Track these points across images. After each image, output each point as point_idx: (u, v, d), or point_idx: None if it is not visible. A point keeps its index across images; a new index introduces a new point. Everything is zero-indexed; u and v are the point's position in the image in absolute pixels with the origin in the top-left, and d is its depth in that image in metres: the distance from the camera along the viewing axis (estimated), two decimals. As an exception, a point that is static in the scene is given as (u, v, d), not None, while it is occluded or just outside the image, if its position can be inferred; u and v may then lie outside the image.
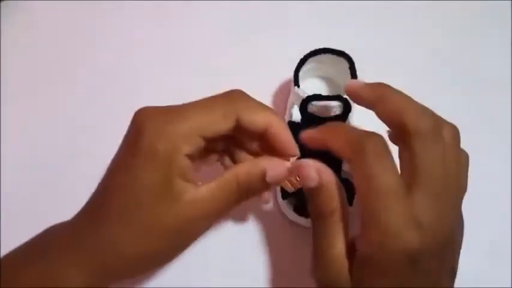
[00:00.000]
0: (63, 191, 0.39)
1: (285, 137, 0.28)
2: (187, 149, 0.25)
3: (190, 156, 0.26)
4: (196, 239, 0.28)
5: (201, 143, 0.26)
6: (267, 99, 0.43)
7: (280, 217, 0.38)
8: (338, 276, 0.25)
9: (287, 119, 0.39)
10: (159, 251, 0.26)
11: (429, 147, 0.25)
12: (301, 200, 0.36)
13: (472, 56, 0.46)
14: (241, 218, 0.38)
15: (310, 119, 0.35)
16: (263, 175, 0.27)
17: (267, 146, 0.29)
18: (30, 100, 0.44)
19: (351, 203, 0.36)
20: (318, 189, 0.26)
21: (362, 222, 0.25)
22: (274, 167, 0.27)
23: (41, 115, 0.43)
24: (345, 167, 0.35)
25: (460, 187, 0.27)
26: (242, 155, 0.31)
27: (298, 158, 0.36)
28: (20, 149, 0.41)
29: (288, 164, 0.28)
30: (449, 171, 0.25)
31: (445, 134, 0.26)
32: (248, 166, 0.27)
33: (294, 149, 0.28)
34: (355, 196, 0.36)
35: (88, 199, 0.28)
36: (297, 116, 0.37)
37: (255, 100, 0.28)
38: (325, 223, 0.26)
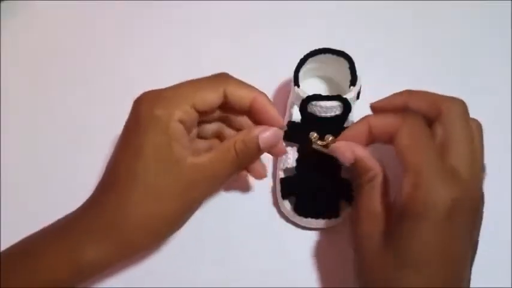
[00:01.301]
0: (63, 191, 0.39)
1: (270, 110, 0.30)
2: (179, 114, 0.28)
3: (185, 124, 0.28)
4: (200, 204, 0.30)
5: (193, 114, 0.29)
6: (267, 99, 0.43)
7: (280, 217, 0.38)
8: (375, 229, 0.28)
9: (287, 119, 0.40)
10: (166, 213, 0.28)
11: (460, 126, 0.29)
12: (301, 200, 0.36)
13: (472, 56, 0.46)
14: (241, 218, 0.38)
15: (310, 119, 0.35)
16: (257, 141, 0.29)
17: (255, 121, 0.31)
18: (30, 100, 0.44)
19: (350, 202, 0.36)
20: (355, 163, 0.30)
21: (405, 174, 0.27)
22: (265, 132, 0.30)
23: (41, 115, 0.43)
24: (345, 167, 0.35)
25: (482, 156, 0.30)
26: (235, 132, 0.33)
27: (299, 161, 0.36)
28: (19, 149, 0.41)
29: (276, 129, 0.30)
30: (476, 144, 0.29)
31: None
32: (243, 134, 0.30)
33: (280, 120, 0.31)
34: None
35: (100, 180, 0.30)
36: (297, 116, 0.37)
37: (241, 80, 0.31)
38: (366, 188, 0.29)
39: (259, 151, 0.30)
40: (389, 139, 0.29)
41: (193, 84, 0.29)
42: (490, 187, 0.39)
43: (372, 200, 0.29)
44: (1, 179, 0.40)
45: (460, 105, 0.29)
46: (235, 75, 0.40)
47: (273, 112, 0.30)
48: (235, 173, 0.31)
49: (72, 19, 0.48)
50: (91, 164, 0.40)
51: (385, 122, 0.29)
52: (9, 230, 0.37)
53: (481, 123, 0.30)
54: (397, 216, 0.27)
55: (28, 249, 0.28)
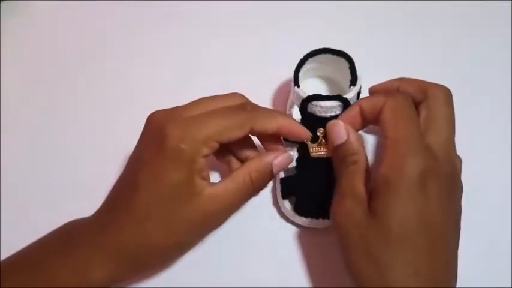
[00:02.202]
0: (64, 193, 0.39)
1: (299, 130, 0.32)
2: (206, 151, 0.28)
3: (208, 157, 0.29)
4: (216, 228, 0.31)
5: (217, 146, 0.29)
6: (267, 99, 0.43)
7: (280, 217, 0.38)
8: (357, 208, 0.28)
9: (287, 119, 0.40)
10: (181, 243, 0.30)
11: (443, 107, 0.31)
12: (301, 200, 0.36)
13: (472, 56, 0.46)
14: (240, 218, 0.38)
15: (310, 119, 0.35)
16: (271, 168, 0.31)
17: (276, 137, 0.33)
18: (31, 100, 0.44)
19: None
20: (345, 143, 0.31)
21: (384, 148, 0.28)
22: (278, 158, 0.32)
23: (42, 115, 0.43)
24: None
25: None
26: (244, 152, 0.34)
27: (299, 161, 0.36)
28: (19, 149, 0.41)
29: (286, 152, 0.33)
30: (453, 125, 0.31)
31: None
32: (256, 163, 0.31)
33: (307, 133, 0.33)
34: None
35: (108, 196, 0.30)
36: (297, 116, 0.37)
37: (266, 109, 0.32)
38: (349, 169, 0.30)
39: (272, 175, 0.32)
40: (377, 119, 0.30)
41: (220, 117, 0.29)
42: (491, 187, 0.39)
43: (355, 181, 0.29)
44: (1, 179, 0.40)
45: (445, 91, 0.32)
46: (235, 75, 0.40)
47: (300, 130, 0.32)
48: (250, 198, 0.32)
49: (72, 19, 0.48)
50: (92, 165, 0.40)
51: (373, 102, 0.31)
52: (9, 230, 0.37)
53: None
54: (376, 193, 0.28)
55: (31, 263, 0.28)
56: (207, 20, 0.48)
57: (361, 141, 0.31)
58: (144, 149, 0.30)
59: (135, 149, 0.31)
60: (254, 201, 0.38)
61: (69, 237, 0.29)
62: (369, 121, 0.32)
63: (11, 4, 0.48)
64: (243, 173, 0.30)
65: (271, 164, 0.31)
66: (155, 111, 0.30)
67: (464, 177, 0.40)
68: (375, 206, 0.27)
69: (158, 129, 0.29)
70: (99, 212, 0.30)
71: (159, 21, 0.48)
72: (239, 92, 0.33)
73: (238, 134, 0.29)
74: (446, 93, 0.32)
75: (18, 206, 0.38)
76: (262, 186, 0.32)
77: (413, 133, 0.28)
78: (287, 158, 0.32)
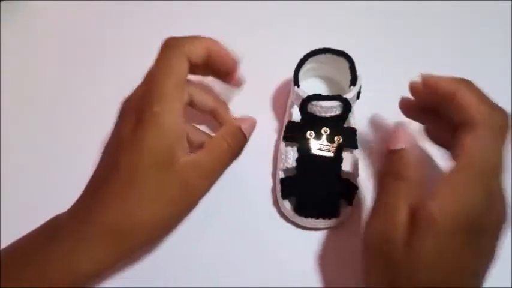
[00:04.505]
0: (63, 191, 0.39)
1: (226, 54, 0.32)
2: (179, 95, 0.28)
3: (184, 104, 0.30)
4: (197, 202, 0.30)
5: (185, 95, 0.30)
6: (267, 99, 0.43)
7: (280, 217, 0.38)
8: (394, 234, 0.26)
9: (287, 119, 0.40)
10: (165, 218, 0.29)
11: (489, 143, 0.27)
12: (301, 200, 0.36)
13: (472, 56, 0.46)
14: (240, 218, 0.38)
15: (310, 119, 0.35)
16: (243, 132, 0.32)
17: (215, 73, 0.34)
18: (31, 100, 0.44)
19: (350, 202, 0.36)
20: (400, 152, 0.28)
21: (450, 174, 0.26)
22: (245, 123, 0.33)
23: (42, 115, 0.43)
24: (345, 167, 0.35)
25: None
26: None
27: (299, 161, 0.36)
28: (19, 149, 0.41)
29: (251, 119, 0.34)
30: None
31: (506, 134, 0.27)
32: (229, 128, 0.32)
33: (235, 63, 0.33)
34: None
35: (88, 183, 0.29)
36: (297, 115, 0.37)
37: (189, 36, 0.31)
38: (397, 184, 0.28)
39: (245, 139, 0.33)
40: (445, 98, 0.28)
41: (159, 64, 0.30)
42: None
43: (400, 201, 0.27)
44: (1, 179, 0.40)
45: (503, 120, 0.27)
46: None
47: (228, 57, 0.32)
48: (230, 163, 0.32)
49: (72, 19, 0.48)
50: (92, 164, 0.40)
51: (447, 81, 0.29)
52: (8, 230, 0.37)
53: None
54: (418, 224, 0.26)
55: (18, 257, 0.27)
56: (206, 20, 0.48)
57: (421, 158, 0.28)
58: (121, 129, 0.29)
59: (111, 133, 0.30)
60: (254, 201, 0.39)
61: (53, 229, 0.28)
62: (433, 98, 0.30)
63: (11, 4, 0.48)
64: (217, 139, 0.31)
65: (241, 129, 0.32)
66: (126, 98, 0.31)
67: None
68: (413, 239, 0.25)
69: (131, 107, 0.29)
70: (79, 200, 0.29)
71: (159, 21, 0.48)
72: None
73: (186, 61, 0.30)
74: (500, 125, 0.27)
75: (18, 207, 0.38)
76: (239, 150, 0.32)
77: (493, 163, 0.25)
78: (253, 122, 0.34)
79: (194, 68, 0.31)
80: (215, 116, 0.35)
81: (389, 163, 0.29)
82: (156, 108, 0.27)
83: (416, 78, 0.32)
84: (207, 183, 0.30)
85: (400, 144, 0.28)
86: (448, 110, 0.29)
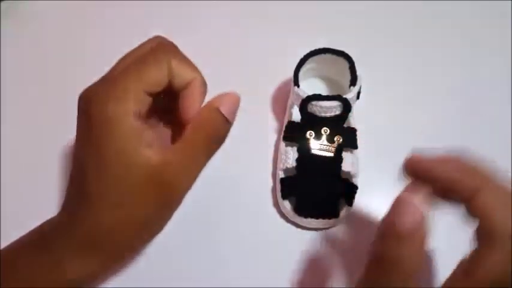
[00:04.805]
0: (63, 191, 0.39)
1: (197, 100, 0.27)
2: (134, 106, 0.25)
3: (141, 115, 0.25)
4: (180, 201, 0.27)
5: (148, 100, 0.26)
6: (267, 99, 0.43)
7: (280, 217, 0.38)
8: None
9: (287, 119, 0.40)
10: (145, 222, 0.26)
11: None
12: (301, 200, 0.36)
13: (472, 56, 0.46)
14: (240, 218, 0.38)
15: (310, 119, 0.35)
16: (221, 114, 0.26)
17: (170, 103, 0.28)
18: (31, 100, 0.44)
19: (350, 202, 0.36)
20: (408, 237, 0.22)
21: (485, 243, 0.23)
22: (224, 103, 0.26)
23: (42, 115, 0.43)
24: (345, 167, 0.35)
25: None
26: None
27: (299, 161, 0.36)
28: (19, 149, 0.41)
29: (231, 94, 0.27)
30: None
31: None
32: (205, 114, 0.26)
33: (192, 114, 0.27)
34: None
35: (67, 189, 0.28)
36: (297, 116, 0.37)
37: (183, 54, 0.28)
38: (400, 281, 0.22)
39: (227, 122, 0.26)
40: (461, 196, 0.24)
41: (140, 65, 0.26)
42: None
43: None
44: (1, 179, 0.40)
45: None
46: (235, 75, 0.40)
47: (196, 105, 0.27)
48: (212, 154, 0.27)
49: (72, 19, 0.48)
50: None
51: (466, 177, 0.24)
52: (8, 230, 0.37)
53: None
54: None
55: (6, 267, 0.26)
56: (206, 20, 0.48)
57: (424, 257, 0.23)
58: (79, 132, 0.26)
59: (75, 136, 0.27)
60: (254, 201, 0.39)
61: (41, 236, 0.27)
62: (446, 196, 0.24)
63: (11, 4, 0.48)
64: (194, 130, 0.26)
65: (220, 110, 0.26)
66: (82, 91, 0.27)
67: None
68: None
69: (84, 103, 0.26)
70: (62, 208, 0.28)
71: (159, 21, 0.48)
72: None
73: (163, 76, 0.26)
74: None
75: (18, 208, 0.38)
76: (221, 138, 0.27)
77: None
78: (234, 97, 0.27)
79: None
80: (188, 95, 0.27)
81: (394, 251, 0.22)
82: (109, 108, 0.24)
83: (415, 155, 0.27)
84: (186, 180, 0.26)
85: (409, 226, 0.22)
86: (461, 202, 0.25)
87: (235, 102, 0.27)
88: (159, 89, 0.26)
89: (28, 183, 0.40)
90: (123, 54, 0.28)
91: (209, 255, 0.37)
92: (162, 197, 0.26)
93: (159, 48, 0.27)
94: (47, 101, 0.43)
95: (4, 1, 0.48)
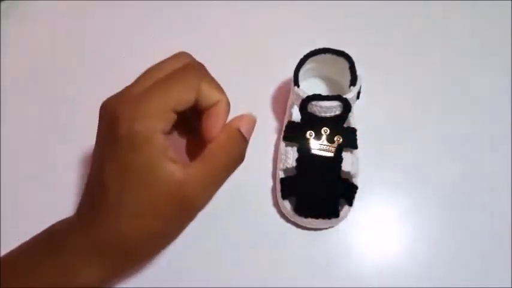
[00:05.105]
0: (63, 191, 0.39)
1: (221, 120, 0.28)
2: (162, 125, 0.25)
3: (167, 132, 0.26)
4: (196, 214, 0.28)
5: (173, 117, 0.26)
6: (267, 99, 0.43)
7: (280, 217, 0.38)
8: None
9: (287, 119, 0.40)
10: (161, 233, 0.27)
11: None
12: (301, 200, 0.36)
13: (472, 56, 0.46)
14: (240, 218, 0.38)
15: (310, 119, 0.35)
16: (242, 134, 0.28)
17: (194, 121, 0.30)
18: (31, 100, 0.44)
19: (350, 202, 0.36)
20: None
21: None
22: (243, 123, 0.28)
23: (41, 115, 0.43)
24: (345, 167, 0.35)
25: None
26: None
27: (299, 161, 0.36)
28: (19, 148, 0.41)
29: (249, 116, 0.29)
30: None
31: None
32: (227, 131, 0.28)
33: (215, 133, 0.28)
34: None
35: (83, 195, 0.28)
36: (297, 115, 0.37)
37: (211, 76, 0.29)
38: None
39: (246, 142, 0.28)
40: None
41: (170, 84, 0.27)
42: (490, 187, 0.39)
43: None
44: (1, 178, 0.40)
45: None
46: (235, 75, 0.40)
47: (218, 125, 0.28)
48: (232, 172, 0.29)
49: (72, 19, 0.48)
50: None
51: None
52: (8, 229, 0.37)
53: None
54: None
55: (17, 268, 0.27)
56: (206, 20, 0.48)
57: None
58: (102, 143, 0.27)
59: (95, 143, 0.28)
60: (254, 201, 0.39)
61: (54, 238, 0.28)
62: None
63: (11, 4, 0.48)
64: (216, 147, 0.27)
65: (240, 131, 0.28)
66: (107, 98, 0.28)
67: (465, 177, 0.40)
68: None
69: (110, 116, 0.26)
70: (78, 212, 0.29)
71: (159, 21, 0.48)
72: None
73: (191, 96, 0.27)
74: None
75: (18, 210, 0.38)
76: (241, 155, 0.29)
77: None
78: (252, 119, 0.29)
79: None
80: (212, 115, 0.28)
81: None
82: (137, 126, 0.25)
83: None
84: (206, 196, 0.28)
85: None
86: None
87: (253, 123, 0.29)
88: (186, 108, 0.27)
89: (28, 183, 0.40)
90: (148, 67, 0.29)
91: (209, 255, 0.37)
92: (180, 212, 0.27)
93: (190, 70, 0.28)
94: (47, 101, 0.43)
95: (4, 1, 0.48)
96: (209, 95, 0.27)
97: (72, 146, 0.41)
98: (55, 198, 0.38)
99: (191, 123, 0.30)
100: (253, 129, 0.29)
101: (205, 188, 0.27)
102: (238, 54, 0.45)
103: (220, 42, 0.46)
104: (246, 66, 0.44)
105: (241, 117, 0.28)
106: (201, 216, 0.38)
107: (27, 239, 0.28)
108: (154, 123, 0.25)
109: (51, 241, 0.28)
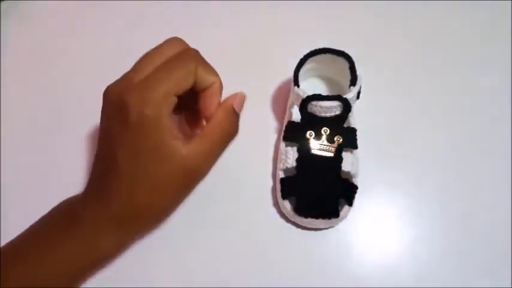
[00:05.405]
0: (63, 191, 0.39)
1: (216, 100, 0.31)
2: (168, 108, 0.29)
3: (171, 113, 0.30)
4: (199, 182, 0.32)
5: (175, 101, 0.29)
6: (267, 99, 0.43)
7: (280, 217, 0.38)
8: None
9: (287, 119, 0.40)
10: (170, 200, 0.31)
11: None
12: (301, 200, 0.36)
13: (472, 55, 0.46)
14: (240, 218, 0.38)
15: (310, 119, 0.35)
16: (234, 110, 0.32)
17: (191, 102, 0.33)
18: (31, 100, 0.44)
19: (350, 202, 0.36)
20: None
21: None
22: (236, 100, 0.32)
23: (42, 115, 0.43)
24: (345, 167, 0.35)
25: None
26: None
27: (299, 161, 0.36)
28: (19, 148, 0.41)
29: (240, 94, 0.33)
30: None
31: None
32: (222, 110, 0.31)
33: (213, 110, 0.32)
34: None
35: (92, 173, 0.32)
36: (297, 115, 0.37)
37: (206, 60, 0.32)
38: None
39: (238, 117, 0.32)
40: None
41: (172, 70, 0.29)
42: (490, 187, 0.39)
43: None
44: (1, 178, 0.40)
45: None
46: (235, 75, 0.40)
47: (214, 104, 0.31)
48: (229, 144, 0.32)
49: (72, 19, 0.48)
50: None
51: None
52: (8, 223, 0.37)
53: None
54: None
55: (41, 238, 0.30)
56: (206, 20, 0.48)
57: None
58: (111, 125, 0.30)
59: (100, 125, 0.31)
60: (254, 201, 0.39)
61: (71, 214, 0.31)
62: None
63: (11, 4, 0.48)
64: (213, 124, 0.31)
65: (235, 109, 0.32)
66: (109, 85, 0.31)
67: (465, 177, 0.40)
68: None
69: (117, 102, 0.29)
70: (88, 191, 0.32)
71: (159, 20, 0.48)
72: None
73: (190, 81, 0.30)
74: None
75: (18, 210, 0.38)
76: (235, 129, 0.32)
77: None
78: (243, 95, 0.33)
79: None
80: (208, 96, 0.32)
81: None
82: (146, 111, 0.28)
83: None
84: (207, 168, 0.31)
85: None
86: None
87: (243, 99, 0.33)
88: (185, 90, 0.30)
89: (28, 183, 0.40)
90: (145, 53, 0.31)
91: (209, 255, 0.37)
92: (185, 183, 0.31)
93: (187, 56, 0.31)
94: (47, 101, 0.43)
95: (4, 1, 0.48)
96: (205, 78, 0.30)
97: (72, 145, 0.41)
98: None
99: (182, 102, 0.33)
100: (243, 105, 0.33)
101: (206, 160, 0.31)
102: (238, 54, 0.45)
103: (220, 42, 0.46)
104: (246, 66, 0.44)
105: (234, 95, 0.32)
106: (201, 216, 0.38)
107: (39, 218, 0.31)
108: (161, 108, 0.28)
109: (64, 217, 0.31)
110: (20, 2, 0.48)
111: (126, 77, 0.30)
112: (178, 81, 0.29)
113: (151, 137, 0.28)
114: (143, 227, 0.32)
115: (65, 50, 0.46)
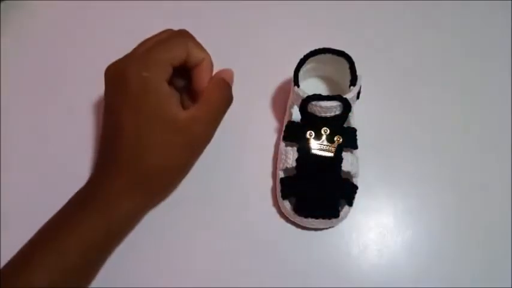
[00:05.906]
0: (63, 191, 0.39)
1: (208, 74, 0.34)
2: (166, 75, 0.31)
3: (167, 82, 0.32)
4: (205, 146, 0.34)
5: (171, 71, 0.32)
6: (267, 99, 0.43)
7: (280, 217, 0.38)
8: None
9: (287, 119, 0.40)
10: (181, 162, 0.34)
11: None
12: (301, 200, 0.36)
13: (472, 55, 0.46)
14: (240, 218, 0.38)
15: (310, 119, 0.35)
16: (227, 82, 0.35)
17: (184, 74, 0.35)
18: (31, 100, 0.44)
19: (350, 202, 0.36)
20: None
21: None
22: (228, 74, 0.36)
23: (42, 115, 0.43)
24: (345, 167, 0.35)
25: None
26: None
27: (299, 161, 0.36)
28: (20, 148, 0.41)
29: (230, 69, 0.37)
30: None
31: None
32: (215, 81, 0.34)
33: (205, 84, 0.34)
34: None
35: (97, 158, 0.34)
36: (297, 115, 0.37)
37: (196, 39, 0.34)
38: None
39: (230, 86, 0.36)
40: None
41: (168, 44, 0.32)
42: (490, 188, 0.39)
43: None
44: (1, 178, 0.40)
45: None
46: (235, 75, 0.40)
47: (205, 79, 0.34)
48: (226, 110, 0.35)
49: (72, 19, 0.48)
50: (92, 164, 0.40)
51: None
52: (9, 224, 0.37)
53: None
54: None
55: (60, 227, 0.31)
56: (207, 20, 0.48)
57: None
58: (113, 100, 0.32)
59: (104, 106, 0.33)
60: (254, 201, 0.39)
61: (84, 195, 0.32)
62: None
63: (11, 4, 0.48)
64: (209, 93, 0.33)
65: (224, 79, 0.35)
66: (108, 65, 0.33)
67: (465, 177, 0.40)
68: None
69: (117, 75, 0.31)
70: (96, 170, 0.34)
71: (159, 21, 0.48)
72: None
73: (184, 54, 0.32)
74: None
75: (18, 209, 0.38)
76: (229, 97, 0.35)
77: None
78: (231, 71, 0.36)
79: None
80: (201, 71, 0.35)
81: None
82: (145, 73, 0.30)
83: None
84: (209, 132, 0.34)
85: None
86: None
87: (232, 74, 0.36)
88: (179, 62, 0.32)
89: (27, 183, 0.40)
90: (143, 40, 0.35)
91: (209, 255, 0.37)
92: (192, 146, 0.33)
93: (179, 33, 0.34)
94: (47, 101, 0.43)
95: (4, 1, 0.48)
96: (196, 53, 0.33)
97: (72, 145, 0.41)
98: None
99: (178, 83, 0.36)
100: (233, 78, 0.36)
101: (207, 125, 0.33)
102: (238, 54, 0.45)
103: (220, 42, 0.46)
104: (246, 66, 0.44)
105: (222, 70, 0.36)
106: (201, 216, 0.38)
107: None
108: (159, 72, 0.31)
109: (79, 202, 0.32)
110: (20, 2, 0.48)
111: (124, 56, 0.33)
112: (174, 53, 0.32)
113: (151, 99, 0.30)
114: (157, 193, 0.35)
115: (65, 49, 0.46)
